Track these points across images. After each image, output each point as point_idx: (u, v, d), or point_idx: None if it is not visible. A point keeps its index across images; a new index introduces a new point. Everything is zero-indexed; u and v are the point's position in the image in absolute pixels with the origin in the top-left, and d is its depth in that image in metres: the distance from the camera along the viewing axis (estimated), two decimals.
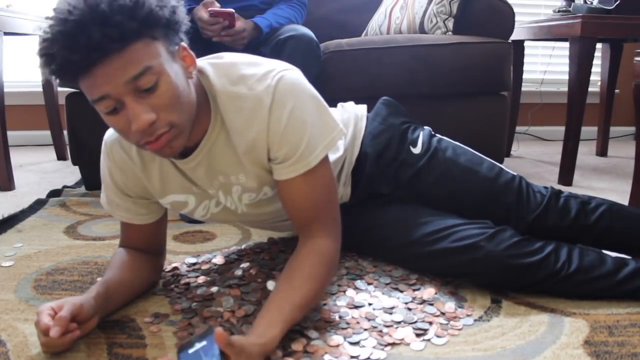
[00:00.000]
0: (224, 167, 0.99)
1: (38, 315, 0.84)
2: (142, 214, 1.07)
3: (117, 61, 0.78)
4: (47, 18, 0.81)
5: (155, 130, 0.83)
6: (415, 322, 0.95)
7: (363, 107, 1.29)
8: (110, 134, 1.04)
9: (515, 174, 1.20)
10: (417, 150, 1.21)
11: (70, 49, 0.76)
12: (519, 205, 1.16)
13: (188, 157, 0.97)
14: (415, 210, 1.16)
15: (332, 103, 1.31)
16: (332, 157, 1.12)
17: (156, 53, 0.82)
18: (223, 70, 0.94)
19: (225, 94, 0.93)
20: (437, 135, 1.26)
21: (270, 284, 1.07)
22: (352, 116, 1.24)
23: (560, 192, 1.19)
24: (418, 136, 1.23)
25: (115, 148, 1.02)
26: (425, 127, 1.27)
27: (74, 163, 1.92)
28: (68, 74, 0.80)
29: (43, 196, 1.82)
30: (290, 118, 0.92)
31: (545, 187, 1.20)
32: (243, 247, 1.33)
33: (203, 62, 0.96)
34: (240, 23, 1.71)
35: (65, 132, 2.27)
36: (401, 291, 1.07)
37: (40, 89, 2.50)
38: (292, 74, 0.95)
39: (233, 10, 1.67)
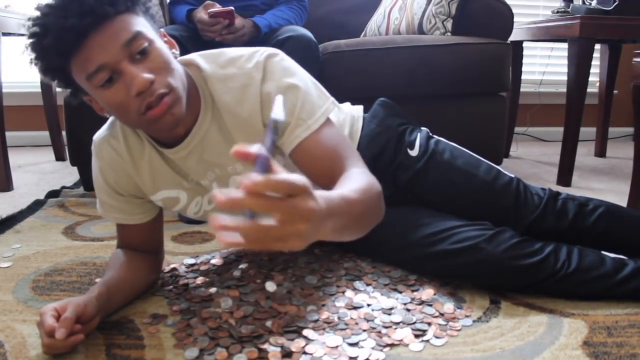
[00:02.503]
0: (219, 157, 1.00)
1: (41, 316, 0.84)
2: (136, 213, 1.08)
3: (110, 29, 0.83)
4: (30, 18, 0.85)
5: (155, 90, 0.85)
6: (414, 322, 0.95)
7: (359, 108, 1.29)
8: (98, 134, 1.05)
9: (512, 176, 1.20)
10: (414, 152, 1.21)
11: (65, 17, 0.80)
12: (516, 208, 1.15)
13: (179, 145, 0.98)
14: (414, 212, 1.16)
15: None
16: None
17: (143, 24, 0.88)
18: (211, 57, 0.99)
19: (216, 78, 0.96)
20: (434, 136, 1.26)
21: (269, 285, 1.07)
22: (347, 117, 1.24)
23: (558, 193, 1.19)
24: (415, 138, 1.23)
25: (104, 147, 1.03)
26: (423, 129, 1.27)
27: (73, 164, 1.92)
28: (63, 45, 0.82)
29: (41, 197, 1.82)
30: (280, 87, 0.94)
31: (543, 189, 1.19)
32: (241, 247, 1.33)
33: (191, 55, 0.99)
34: (239, 20, 1.72)
35: (63, 133, 2.26)
36: (400, 292, 1.07)
37: (39, 90, 2.50)
38: (278, 51, 0.99)
39: (232, 8, 1.67)
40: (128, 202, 1.06)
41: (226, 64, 0.97)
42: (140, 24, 0.87)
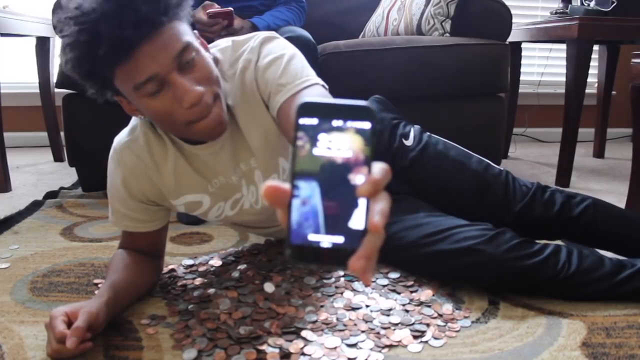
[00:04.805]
0: (241, 150, 1.01)
1: (52, 320, 0.83)
2: (148, 221, 1.07)
3: (160, 39, 0.81)
4: (69, 16, 0.80)
5: (206, 102, 0.86)
6: (413, 324, 0.95)
7: None
8: (118, 141, 1.04)
9: (502, 168, 1.23)
10: (409, 142, 1.25)
11: (120, 27, 0.77)
12: (505, 197, 1.18)
13: (212, 141, 0.98)
14: (413, 211, 1.17)
15: None
16: None
17: (188, 31, 0.87)
18: (227, 53, 1.00)
19: (228, 77, 0.98)
20: (427, 132, 1.29)
21: (268, 286, 1.07)
22: None
23: (546, 186, 1.21)
24: (409, 131, 1.27)
25: (125, 153, 1.02)
26: (416, 125, 1.30)
27: (71, 164, 1.91)
28: (116, 55, 0.80)
29: (40, 197, 1.82)
30: (271, 59, 0.96)
31: (532, 182, 1.22)
32: (240, 248, 1.33)
33: (212, 51, 1.00)
34: (238, 21, 1.71)
35: (62, 134, 2.26)
36: (398, 293, 1.06)
37: (37, 91, 2.49)
38: (273, 35, 1.01)
39: (231, 9, 1.67)
40: (144, 209, 1.06)
41: (234, 62, 0.99)
42: (187, 31, 0.86)
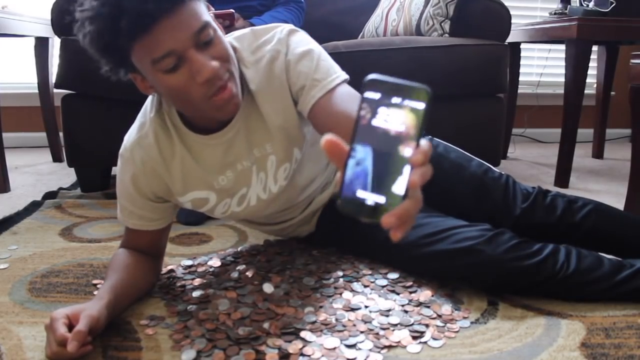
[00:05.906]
0: (257, 135, 1.03)
1: (52, 322, 0.83)
2: (155, 219, 1.08)
3: (182, 15, 0.83)
4: None
5: (221, 76, 0.88)
6: (412, 324, 0.95)
7: None
8: (128, 139, 1.05)
9: (502, 173, 1.23)
10: None
11: (144, 0, 0.79)
12: (504, 201, 1.17)
13: (225, 128, 1.00)
14: None
15: None
16: None
17: (206, 12, 0.89)
18: (246, 41, 1.02)
19: (248, 62, 1.00)
20: (429, 135, 1.29)
21: (267, 287, 1.07)
22: None
23: (547, 191, 1.20)
24: None
25: (136, 150, 1.03)
26: None
27: (70, 165, 1.91)
28: (137, 28, 0.81)
29: (39, 198, 1.82)
30: (298, 54, 0.99)
31: (533, 187, 1.21)
32: (239, 249, 1.33)
33: (228, 38, 1.01)
34: (240, 22, 1.72)
35: (61, 134, 2.26)
36: (398, 293, 1.06)
37: (36, 91, 2.49)
38: (297, 28, 1.03)
39: (233, 10, 1.67)
40: (152, 207, 1.06)
41: (256, 49, 1.01)
42: (205, 12, 0.88)
